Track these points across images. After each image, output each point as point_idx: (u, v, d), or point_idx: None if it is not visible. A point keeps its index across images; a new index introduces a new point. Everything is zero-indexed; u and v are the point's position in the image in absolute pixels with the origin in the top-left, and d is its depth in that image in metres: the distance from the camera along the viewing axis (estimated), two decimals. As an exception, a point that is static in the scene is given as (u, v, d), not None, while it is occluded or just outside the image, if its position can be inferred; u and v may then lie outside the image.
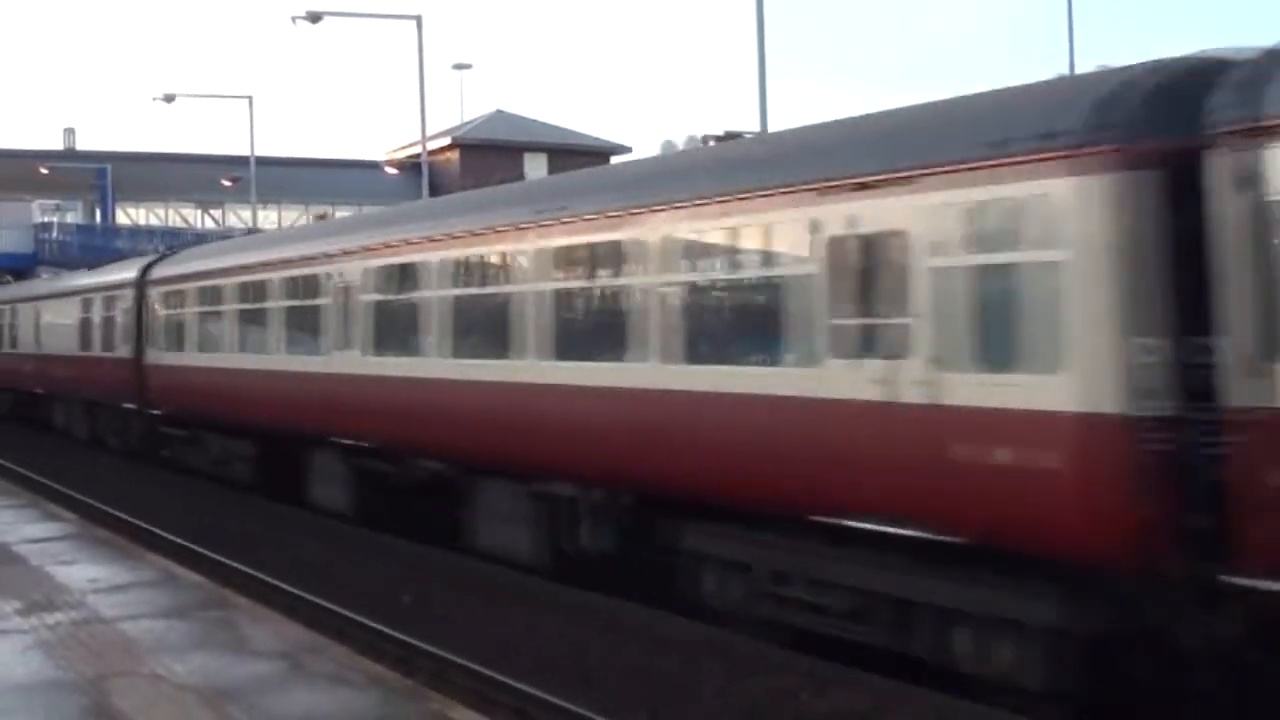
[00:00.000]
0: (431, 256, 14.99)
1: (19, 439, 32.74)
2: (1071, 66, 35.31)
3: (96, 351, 28.38)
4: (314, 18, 35.44)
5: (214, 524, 18.13)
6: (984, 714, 8.99)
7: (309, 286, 18.13)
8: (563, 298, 12.89)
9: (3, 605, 11.43)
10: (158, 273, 25.53)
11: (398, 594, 13.42)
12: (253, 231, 41.79)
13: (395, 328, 15.84)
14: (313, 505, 18.61)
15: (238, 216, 59.75)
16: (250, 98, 48.18)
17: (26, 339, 35.96)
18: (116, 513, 19.11)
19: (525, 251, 13.32)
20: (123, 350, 26.32)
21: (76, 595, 11.90)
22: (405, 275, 15.71)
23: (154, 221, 63.21)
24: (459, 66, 65.49)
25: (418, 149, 39.38)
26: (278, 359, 19.12)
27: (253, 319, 20.28)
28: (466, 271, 14.59)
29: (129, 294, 26.27)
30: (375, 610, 12.37)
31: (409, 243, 15.66)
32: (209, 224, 63.23)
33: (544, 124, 66.13)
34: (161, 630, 10.45)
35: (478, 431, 13.96)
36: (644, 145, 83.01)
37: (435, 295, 14.84)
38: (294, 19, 35.36)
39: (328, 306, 17.37)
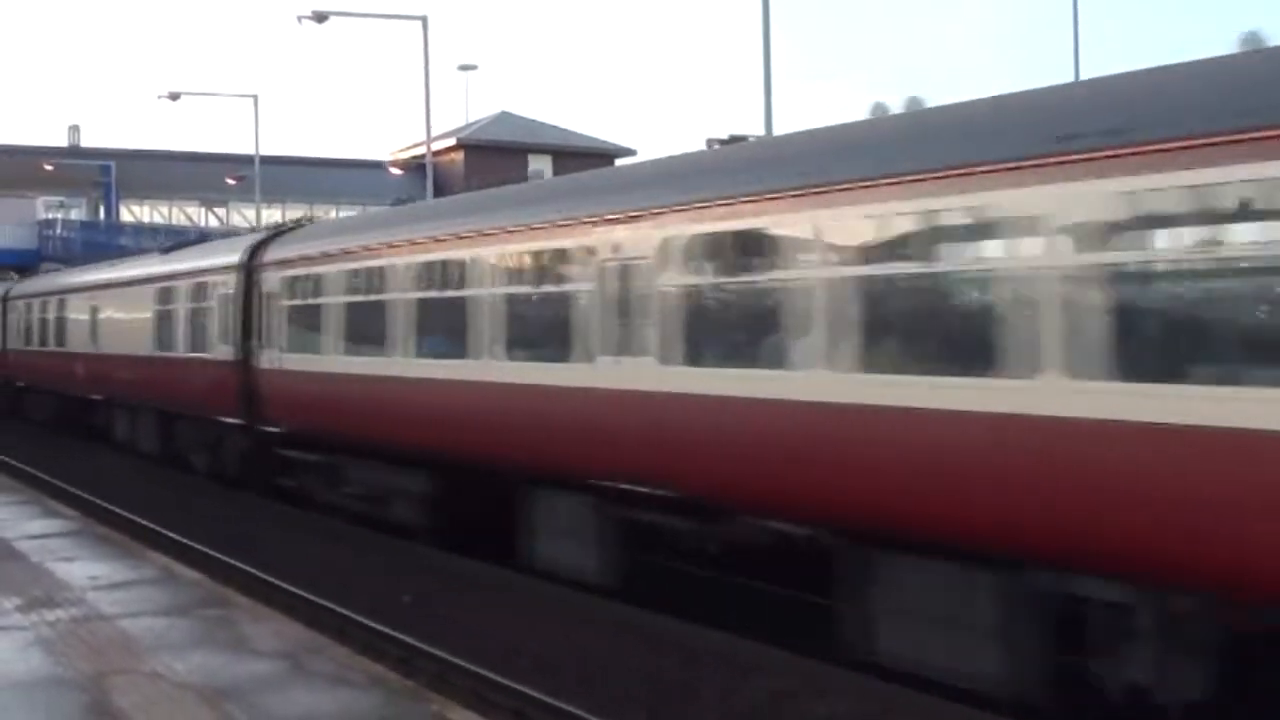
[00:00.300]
0: (810, 218, 9.70)
1: (19, 436, 32.17)
2: (1077, 71, 35.33)
3: (180, 352, 22.81)
4: (320, 17, 35.48)
5: (214, 522, 18.11)
6: (984, 720, 8.92)
7: (549, 266, 12.96)
8: (1096, 284, 7.70)
9: (3, 602, 11.41)
10: (277, 253, 19.68)
11: (398, 594, 13.41)
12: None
13: (728, 324, 11.00)
14: (535, 568, 13.52)
15: (241, 215, 59.80)
16: (255, 97, 48.23)
17: (78, 336, 30.12)
18: (117, 510, 19.10)
19: (1039, 201, 7.97)
20: (221, 350, 20.82)
21: (77, 592, 11.88)
22: (751, 248, 10.49)
23: (157, 219, 63.34)
24: (464, 67, 65.81)
25: (422, 149, 39.40)
26: (487, 366, 13.57)
27: (440, 311, 14.69)
28: (895, 239, 9.26)
29: (231, 280, 20.62)
30: (376, 610, 12.35)
31: (766, 198, 10.17)
32: (213, 222, 63.36)
33: (549, 125, 66.17)
34: (162, 628, 10.43)
35: (906, 487, 8.93)
36: (648, 148, 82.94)
37: (823, 276, 9.58)
38: (300, 19, 35.44)
39: (588, 295, 12.11)
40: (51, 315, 33.04)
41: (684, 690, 10.04)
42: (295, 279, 18.72)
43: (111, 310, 27.71)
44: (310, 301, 18.16)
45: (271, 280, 19.42)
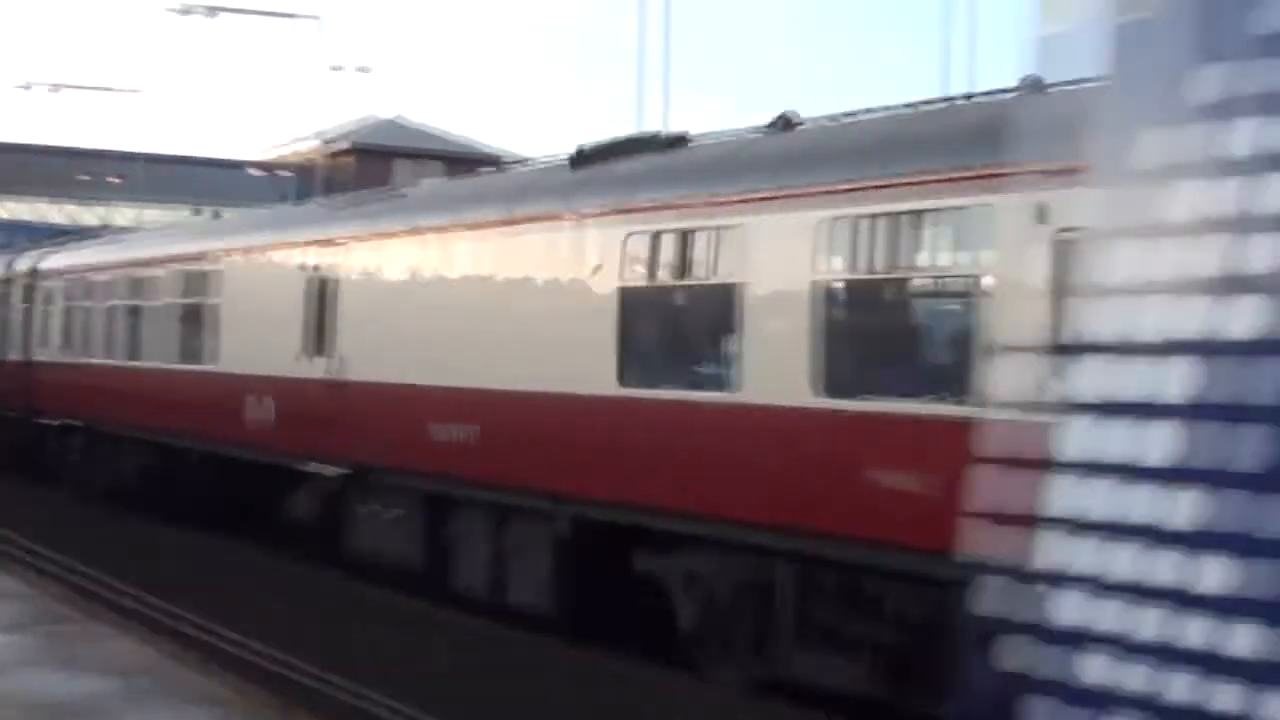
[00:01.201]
0: None
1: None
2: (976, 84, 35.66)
3: (727, 392, 9.75)
4: (211, 12, 34.88)
5: (71, 535, 16.93)
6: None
7: None
8: None
9: None
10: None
11: (264, 610, 12.61)
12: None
13: None
14: None
15: (93, 213, 58.14)
16: (137, 91, 47.03)
17: (274, 344, 15.53)
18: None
19: None
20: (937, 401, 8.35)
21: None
22: None
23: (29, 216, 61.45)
24: (359, 70, 64.90)
25: (306, 149, 38.75)
26: None
27: None
28: None
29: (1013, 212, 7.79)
30: (238, 626, 11.69)
31: None
32: (90, 220, 61.61)
33: (437, 133, 65.86)
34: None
35: None
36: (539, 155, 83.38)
37: None
38: (187, 9, 34.81)
39: None
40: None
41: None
42: None
43: (383, 291, 14.03)
44: None
45: None
